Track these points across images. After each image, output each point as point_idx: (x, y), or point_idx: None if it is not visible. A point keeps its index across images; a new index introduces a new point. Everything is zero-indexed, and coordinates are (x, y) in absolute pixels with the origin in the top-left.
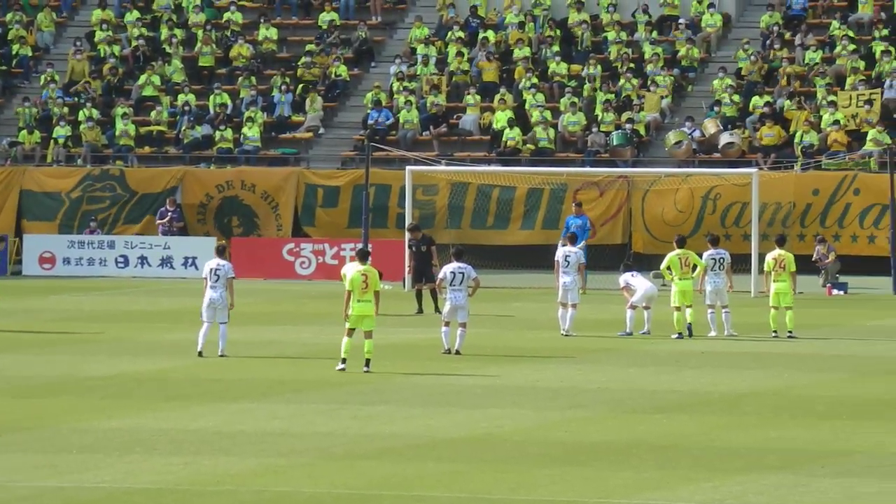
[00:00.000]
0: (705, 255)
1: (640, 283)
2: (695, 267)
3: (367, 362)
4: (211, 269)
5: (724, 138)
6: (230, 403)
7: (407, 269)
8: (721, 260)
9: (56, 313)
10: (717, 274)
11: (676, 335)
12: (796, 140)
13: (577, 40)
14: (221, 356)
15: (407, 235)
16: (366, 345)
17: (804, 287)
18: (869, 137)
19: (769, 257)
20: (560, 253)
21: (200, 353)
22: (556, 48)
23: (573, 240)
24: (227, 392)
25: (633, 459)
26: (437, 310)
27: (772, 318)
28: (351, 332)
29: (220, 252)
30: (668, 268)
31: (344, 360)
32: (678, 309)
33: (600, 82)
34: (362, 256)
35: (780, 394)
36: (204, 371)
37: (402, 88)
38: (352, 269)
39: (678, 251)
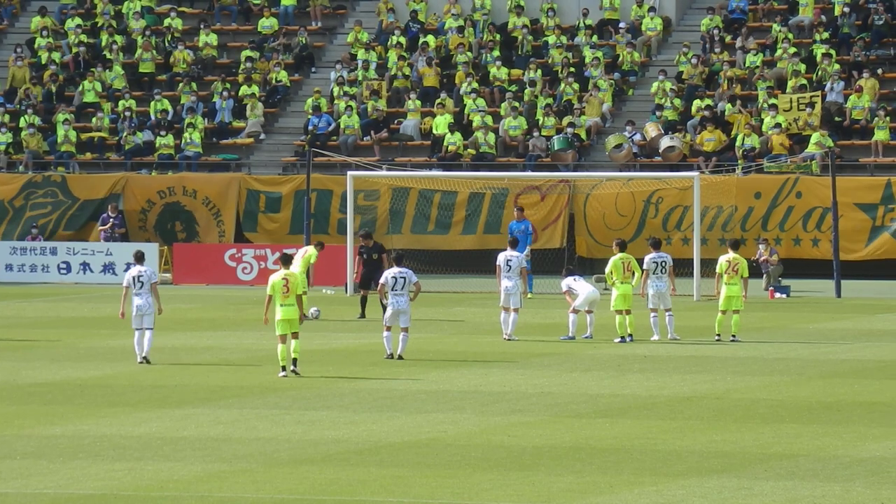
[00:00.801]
0: (647, 258)
1: (582, 288)
2: (634, 273)
3: (295, 362)
4: (133, 277)
5: (665, 142)
6: (173, 409)
7: (354, 275)
8: (663, 263)
9: None
10: (659, 277)
11: (619, 339)
12: (738, 143)
13: (518, 45)
14: (144, 359)
15: (350, 242)
16: (293, 345)
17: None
18: (812, 141)
19: (723, 259)
20: (502, 257)
21: (142, 362)
22: (496, 53)
23: (515, 244)
24: (170, 398)
25: (577, 464)
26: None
27: (718, 321)
28: (283, 338)
29: (140, 259)
30: (611, 272)
31: (284, 368)
32: (619, 313)
33: (541, 86)
34: (285, 261)
35: (723, 397)
36: (146, 377)
37: (342, 93)
38: (276, 275)
39: (620, 255)
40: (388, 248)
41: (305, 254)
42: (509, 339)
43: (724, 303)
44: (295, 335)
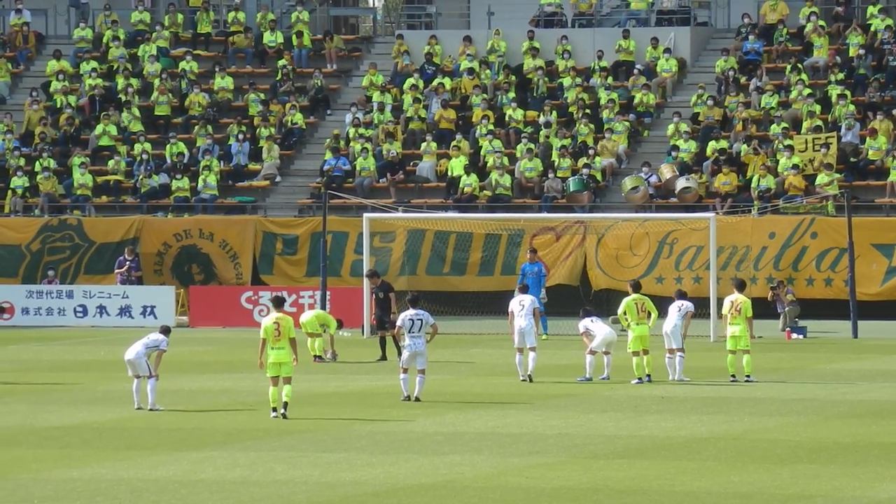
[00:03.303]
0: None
1: (599, 329)
2: (650, 314)
3: (286, 406)
4: (149, 337)
5: (681, 183)
6: (190, 452)
7: (371, 317)
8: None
9: (15, 363)
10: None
11: (636, 380)
12: (753, 184)
13: (533, 86)
14: (152, 410)
15: (366, 284)
16: (285, 390)
17: (764, 331)
18: (817, 182)
19: (727, 301)
20: (514, 302)
21: (140, 408)
22: (511, 94)
23: (525, 290)
24: (187, 441)
25: None
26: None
27: (729, 362)
28: (275, 380)
29: (164, 332)
30: (625, 313)
31: (275, 409)
32: (636, 354)
33: (556, 128)
34: (277, 304)
35: (740, 438)
36: (163, 420)
37: (357, 136)
38: (267, 318)
39: (634, 296)
40: (406, 290)
41: (323, 316)
42: (529, 380)
43: (730, 343)
44: (287, 380)
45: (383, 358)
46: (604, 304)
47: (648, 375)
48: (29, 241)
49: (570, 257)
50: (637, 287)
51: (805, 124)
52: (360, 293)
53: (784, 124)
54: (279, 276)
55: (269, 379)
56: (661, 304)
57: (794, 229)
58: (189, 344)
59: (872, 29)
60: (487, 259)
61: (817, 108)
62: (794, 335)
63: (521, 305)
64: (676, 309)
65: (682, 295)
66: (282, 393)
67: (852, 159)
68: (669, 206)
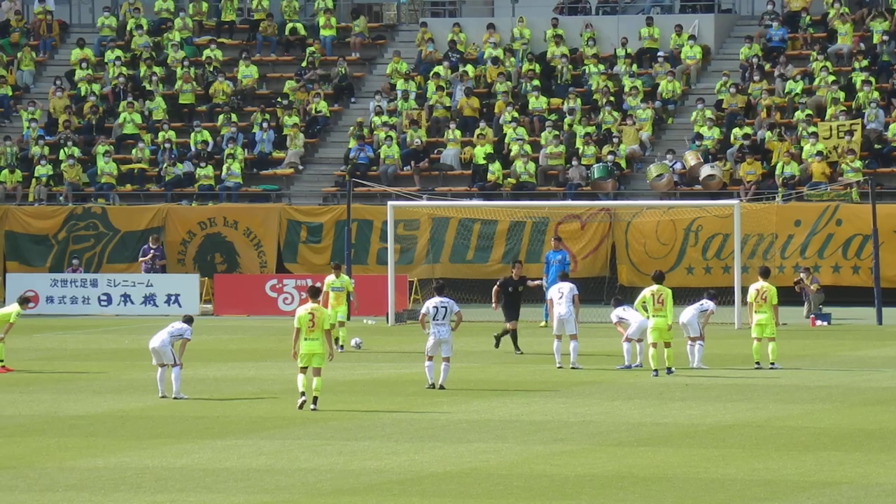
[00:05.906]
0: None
1: (633, 317)
2: (664, 304)
3: (315, 400)
4: (173, 326)
5: (706, 171)
6: (215, 440)
7: (493, 307)
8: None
9: (39, 352)
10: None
11: (653, 372)
12: (777, 171)
13: (557, 74)
14: (176, 398)
15: (391, 271)
16: (315, 382)
17: (787, 318)
18: (842, 168)
19: (752, 289)
20: (553, 290)
21: (164, 396)
22: (535, 82)
23: (564, 278)
24: (212, 429)
25: (619, 492)
26: (517, 348)
27: (754, 349)
28: (304, 370)
29: (187, 321)
30: (643, 304)
31: (303, 394)
32: (654, 346)
33: (580, 116)
34: (313, 294)
35: (765, 425)
36: (188, 409)
37: (382, 123)
38: (302, 308)
39: (653, 287)
40: (430, 278)
41: (347, 281)
42: (574, 368)
43: (756, 330)
44: (317, 371)
45: (518, 351)
46: (629, 292)
47: (669, 368)
48: (56, 231)
49: (600, 248)
50: (659, 279)
51: (829, 111)
52: (385, 281)
53: (808, 111)
54: (303, 264)
55: (297, 368)
56: (690, 295)
57: (819, 216)
58: (213, 332)
59: None
60: (511, 246)
61: (841, 94)
62: (819, 322)
63: (560, 293)
64: (698, 304)
65: (712, 297)
66: (311, 384)
67: (876, 146)
68: (694, 194)
